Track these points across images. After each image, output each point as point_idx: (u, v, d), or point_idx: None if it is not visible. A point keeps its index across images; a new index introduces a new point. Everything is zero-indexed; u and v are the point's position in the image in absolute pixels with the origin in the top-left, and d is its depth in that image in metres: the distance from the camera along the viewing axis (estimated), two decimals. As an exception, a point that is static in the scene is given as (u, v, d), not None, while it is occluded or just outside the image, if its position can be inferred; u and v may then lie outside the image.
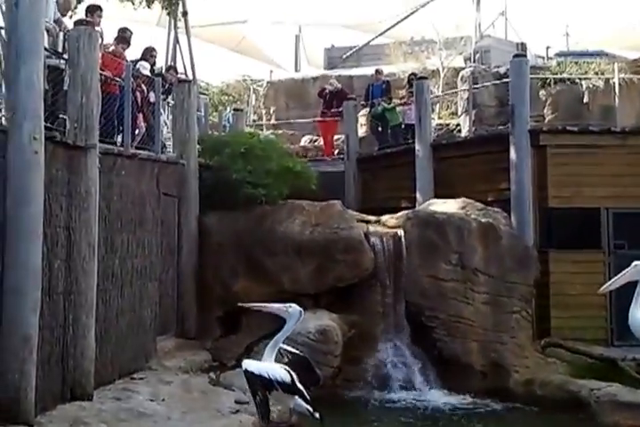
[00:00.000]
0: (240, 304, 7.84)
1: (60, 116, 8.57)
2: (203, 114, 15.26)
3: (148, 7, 16.54)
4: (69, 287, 8.02)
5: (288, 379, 6.89)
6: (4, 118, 7.21)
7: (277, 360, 7.12)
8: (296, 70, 27.46)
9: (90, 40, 8.45)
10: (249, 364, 7.01)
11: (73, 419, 7.37)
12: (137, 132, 11.01)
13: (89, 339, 8.22)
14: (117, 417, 7.70)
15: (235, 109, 18.14)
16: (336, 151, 17.81)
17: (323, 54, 26.73)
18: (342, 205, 12.45)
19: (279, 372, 6.91)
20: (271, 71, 26.67)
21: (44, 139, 7.18)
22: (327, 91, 18.10)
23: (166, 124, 12.48)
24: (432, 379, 10.81)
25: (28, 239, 6.99)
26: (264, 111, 23.82)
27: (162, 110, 11.84)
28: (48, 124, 7.67)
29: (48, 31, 8.45)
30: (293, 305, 7.25)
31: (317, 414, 6.96)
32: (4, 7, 7.32)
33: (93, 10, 10.35)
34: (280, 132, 20.61)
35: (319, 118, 18.34)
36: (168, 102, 12.60)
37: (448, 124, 17.48)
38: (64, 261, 7.93)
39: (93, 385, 8.26)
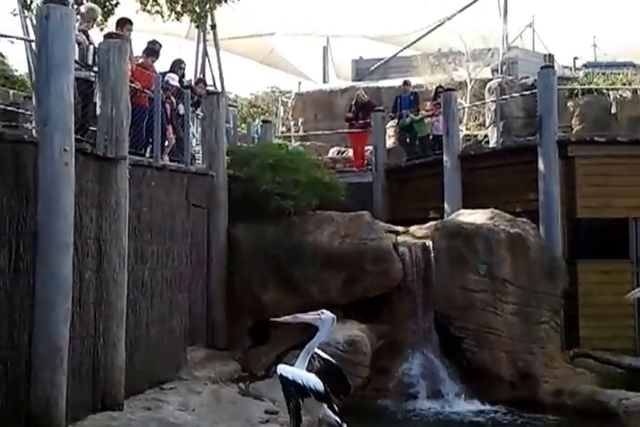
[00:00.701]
0: (272, 319, 7.80)
1: (91, 128, 8.65)
2: (232, 126, 15.34)
3: (177, 20, 16.64)
4: (100, 298, 8.07)
5: (321, 387, 6.85)
6: (34, 130, 7.27)
7: (309, 366, 7.09)
8: (324, 82, 27.52)
9: (120, 53, 8.54)
10: (284, 369, 6.96)
11: (103, 429, 7.42)
12: (166, 143, 11.09)
13: (119, 349, 8.26)
14: (147, 427, 7.74)
15: (263, 121, 18.21)
16: (364, 162, 17.79)
17: (350, 66, 26.76)
18: (371, 215, 12.44)
19: (313, 380, 6.87)
20: (299, 83, 26.78)
21: (75, 150, 7.24)
22: (354, 102, 18.09)
23: (195, 135, 12.55)
24: (461, 389, 10.76)
25: (59, 250, 7.04)
26: (292, 123, 23.91)
27: (191, 122, 11.92)
28: (78, 136, 7.74)
29: (79, 44, 8.53)
30: (326, 311, 7.18)
31: (345, 425, 6.92)
32: (34, 20, 7.41)
33: (123, 23, 10.47)
34: (308, 143, 20.64)
35: (348, 130, 18.32)
36: (197, 114, 12.68)
37: (476, 136, 17.44)
38: (94, 272, 7.99)
39: (124, 395, 8.29)
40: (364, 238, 11.60)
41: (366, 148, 17.86)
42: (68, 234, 7.14)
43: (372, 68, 26.06)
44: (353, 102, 18.13)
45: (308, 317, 7.21)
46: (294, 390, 6.72)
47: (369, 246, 11.50)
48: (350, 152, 18.77)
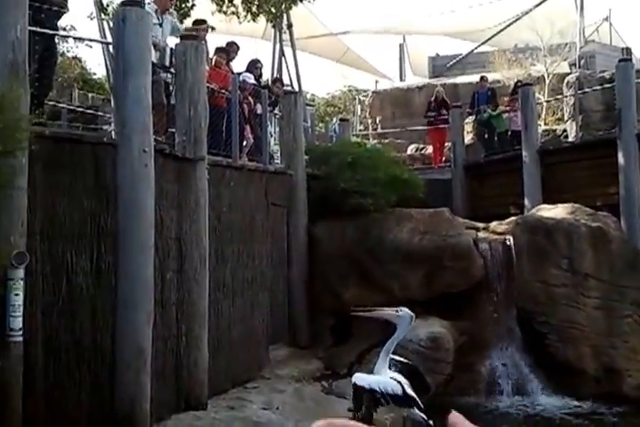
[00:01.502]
0: (352, 308, 7.72)
1: (169, 129, 8.71)
2: (309, 125, 15.32)
3: (254, 20, 16.72)
4: (181, 298, 8.11)
5: (400, 391, 6.74)
6: (114, 132, 7.35)
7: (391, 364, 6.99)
8: (401, 79, 27.34)
9: (196, 54, 8.58)
10: (359, 378, 6.89)
11: (188, 429, 7.44)
12: (245, 143, 11.12)
13: (202, 349, 8.28)
14: (232, 426, 7.73)
15: (341, 120, 18.14)
16: (443, 159, 17.61)
17: (427, 63, 26.55)
18: (450, 212, 12.27)
19: (390, 384, 6.77)
20: (376, 81, 26.66)
21: (154, 152, 7.28)
22: (434, 99, 17.92)
23: (273, 135, 12.57)
24: (544, 384, 10.55)
25: (140, 251, 7.07)
26: (370, 121, 23.81)
27: (269, 122, 11.94)
28: (157, 138, 7.79)
29: (155, 46, 8.60)
30: (404, 309, 7.05)
31: (431, 422, 6.78)
32: (111, 23, 7.48)
33: (199, 24, 10.54)
34: (386, 141, 20.53)
35: (427, 127, 18.15)
36: (275, 114, 12.71)
37: (554, 130, 17.13)
38: (176, 273, 8.03)
39: (207, 395, 8.32)
40: (444, 235, 11.45)
41: (445, 144, 17.68)
42: (149, 234, 7.17)
43: (449, 64, 25.82)
44: (432, 99, 17.96)
45: (386, 312, 7.11)
46: (367, 399, 6.63)
47: (449, 243, 11.33)
48: (429, 149, 18.58)
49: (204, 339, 8.31)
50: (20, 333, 5.68)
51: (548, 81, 20.21)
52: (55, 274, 6.39)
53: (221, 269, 9.21)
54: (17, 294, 5.61)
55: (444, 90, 18.76)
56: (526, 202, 13.40)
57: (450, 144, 16.93)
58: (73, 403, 6.52)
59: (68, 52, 20.96)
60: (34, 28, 6.77)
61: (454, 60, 25.80)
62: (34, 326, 6.03)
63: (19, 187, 5.42)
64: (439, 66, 26.06)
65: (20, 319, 5.66)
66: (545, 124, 17.67)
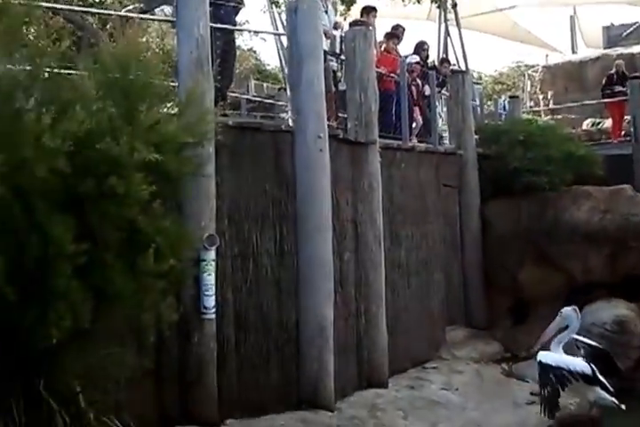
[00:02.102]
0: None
1: (340, 114, 8.91)
2: (478, 103, 15.12)
3: (418, 2, 16.69)
4: (359, 278, 8.29)
5: (588, 370, 6.65)
6: (290, 120, 7.62)
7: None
8: (573, 52, 26.30)
9: (365, 40, 8.70)
10: (544, 355, 6.84)
11: (370, 405, 7.60)
12: (414, 125, 11.18)
13: (380, 328, 8.44)
14: (413, 405, 7.85)
15: (510, 97, 17.76)
16: (622, 133, 16.82)
17: (601, 33, 25.33)
18: (633, 189, 11.70)
19: (578, 363, 6.69)
20: (547, 55, 25.80)
21: (328, 137, 7.48)
22: (615, 71, 17.18)
23: (441, 116, 12.53)
24: None
25: (318, 233, 7.29)
26: (541, 97, 23.08)
27: (437, 102, 11.92)
28: (329, 123, 7.99)
29: (325, 34, 8.81)
30: (563, 309, 7.08)
31: (623, 406, 6.63)
32: (282, 15, 7.75)
33: (369, 10, 10.70)
34: (559, 116, 19.84)
35: (605, 100, 17.40)
36: (443, 94, 12.66)
37: None
38: (353, 253, 8.22)
39: (387, 374, 8.47)
40: (627, 214, 10.99)
41: (624, 118, 16.89)
42: (327, 217, 7.38)
43: (625, 33, 24.49)
44: (613, 71, 17.20)
45: (552, 325, 7.36)
46: (553, 378, 6.56)
47: (632, 222, 10.87)
48: (606, 123, 17.80)
49: (381, 319, 8.46)
50: (213, 311, 6.05)
51: None
52: (242, 255, 6.74)
53: (396, 250, 9.35)
54: (209, 275, 5.98)
55: (621, 60, 17.90)
56: None
57: (629, 117, 16.16)
58: (262, 377, 6.86)
59: (244, 45, 21.82)
60: (215, 25, 7.15)
61: (631, 29, 24.43)
62: (225, 304, 6.40)
63: (207, 174, 5.75)
64: (614, 36, 24.74)
65: (213, 298, 6.02)
66: None
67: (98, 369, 4.63)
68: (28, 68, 4.22)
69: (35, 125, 3.96)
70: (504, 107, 17.72)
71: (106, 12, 10.90)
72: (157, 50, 11.50)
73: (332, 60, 9.37)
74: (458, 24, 19.53)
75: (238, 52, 11.84)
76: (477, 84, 17.67)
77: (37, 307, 4.05)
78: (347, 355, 7.97)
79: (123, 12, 8.52)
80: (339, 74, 9.42)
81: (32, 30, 4.73)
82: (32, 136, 3.95)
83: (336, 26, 9.98)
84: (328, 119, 7.78)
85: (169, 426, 5.79)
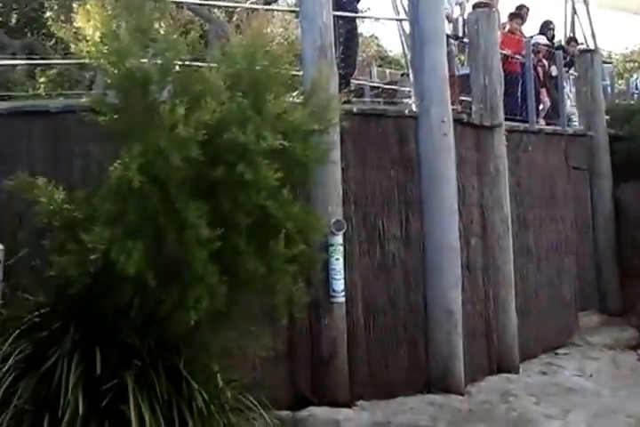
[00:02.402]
0: None
1: (463, 98, 8.85)
2: (608, 83, 14.60)
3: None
4: (487, 263, 8.22)
5: None
6: (413, 105, 7.63)
7: None
8: None
9: (488, 21, 8.60)
10: None
11: (501, 391, 7.51)
12: (541, 107, 10.93)
13: (509, 314, 8.34)
14: (545, 391, 7.70)
15: (643, 75, 17.08)
16: None
17: None
18: None
19: None
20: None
21: (452, 121, 7.45)
22: None
23: (569, 96, 12.18)
24: None
25: (444, 217, 7.30)
26: (676, 74, 22.01)
27: (565, 83, 11.60)
28: (453, 107, 7.95)
29: (447, 17, 8.75)
30: None
31: None
32: (405, 0, 7.76)
33: (493, -7, 10.50)
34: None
35: None
36: (571, 74, 12.31)
37: None
38: (480, 238, 8.16)
39: (518, 359, 8.38)
40: None
41: None
42: (452, 201, 7.37)
43: None
44: None
45: None
46: None
47: None
48: None
49: (511, 304, 8.37)
50: (342, 294, 6.18)
51: None
52: (369, 240, 6.84)
53: (524, 234, 9.20)
54: (337, 259, 6.12)
55: None
56: None
57: None
58: (391, 360, 6.95)
59: (366, 32, 21.88)
60: (337, 13, 7.25)
61: None
62: (353, 288, 6.51)
63: (333, 161, 5.86)
64: None
65: (342, 282, 6.16)
66: None
67: (234, 350, 4.82)
68: (160, 61, 4.42)
69: (169, 117, 4.15)
70: (636, 86, 17.02)
71: (232, 4, 11.22)
72: (282, 40, 11.70)
73: (452, 44, 9.31)
74: (585, 1, 18.83)
75: (360, 39, 11.89)
76: (608, 62, 17.03)
77: (176, 291, 4.26)
78: (476, 340, 7.92)
79: (248, 4, 8.73)
80: (461, 57, 9.33)
81: (162, 25, 4.96)
82: (167, 127, 4.15)
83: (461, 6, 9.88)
84: (452, 103, 7.74)
85: (302, 406, 5.96)
